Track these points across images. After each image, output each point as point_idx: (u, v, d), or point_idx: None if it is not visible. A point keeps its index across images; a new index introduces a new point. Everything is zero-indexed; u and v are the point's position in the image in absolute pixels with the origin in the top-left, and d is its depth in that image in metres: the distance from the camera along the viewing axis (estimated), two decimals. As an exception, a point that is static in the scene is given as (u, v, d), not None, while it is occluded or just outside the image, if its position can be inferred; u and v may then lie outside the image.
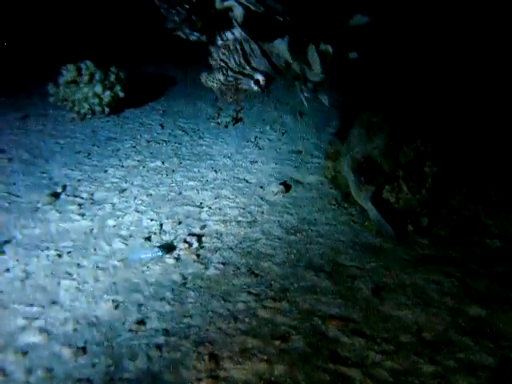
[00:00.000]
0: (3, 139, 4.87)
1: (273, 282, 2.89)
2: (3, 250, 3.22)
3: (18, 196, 3.88)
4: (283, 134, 5.15)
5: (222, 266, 3.06)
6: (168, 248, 3.21)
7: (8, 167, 4.34)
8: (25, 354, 2.38)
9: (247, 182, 4.16)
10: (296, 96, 5.18)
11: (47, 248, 3.23)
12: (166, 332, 2.51)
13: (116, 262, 3.10)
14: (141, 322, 2.59)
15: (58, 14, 8.26)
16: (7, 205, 3.74)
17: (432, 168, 3.42)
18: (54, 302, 2.75)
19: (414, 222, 3.39)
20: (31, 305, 2.73)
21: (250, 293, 2.80)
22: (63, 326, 2.56)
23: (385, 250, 3.19)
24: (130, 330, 2.54)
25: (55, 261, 3.11)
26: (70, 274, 2.98)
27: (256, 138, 5.05)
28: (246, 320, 2.59)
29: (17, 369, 2.29)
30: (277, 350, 2.37)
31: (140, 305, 2.73)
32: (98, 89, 5.40)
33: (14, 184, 4.05)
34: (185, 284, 2.90)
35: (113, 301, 2.74)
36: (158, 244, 3.27)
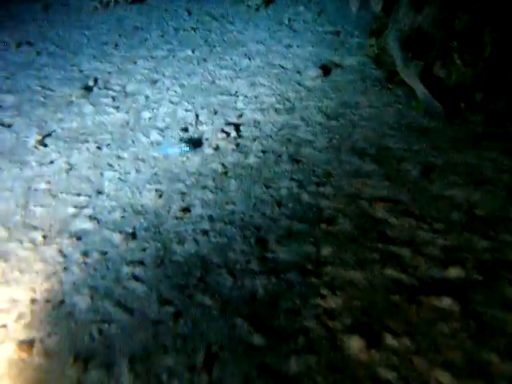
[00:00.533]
0: (28, 32, 4.69)
1: (315, 168, 2.81)
2: (45, 142, 3.23)
3: (51, 90, 3.81)
4: (319, 14, 4.74)
5: (261, 153, 2.99)
6: (203, 139, 3.14)
7: (37, 60, 4.23)
8: (79, 238, 2.46)
9: (283, 67, 3.92)
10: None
11: (86, 141, 3.22)
12: (211, 218, 2.53)
13: (155, 154, 3.07)
14: (185, 209, 2.61)
15: None
16: (42, 99, 3.70)
17: (492, 35, 3.03)
18: (99, 192, 2.79)
19: (467, 98, 3.13)
20: (78, 194, 2.78)
21: (292, 179, 2.74)
22: (111, 214, 2.62)
23: (434, 130, 3.01)
24: (176, 217, 2.57)
25: (96, 153, 3.11)
26: (111, 166, 2.99)
27: (290, 20, 4.68)
28: (290, 205, 2.56)
29: (74, 251, 2.38)
30: (323, 232, 2.35)
31: (183, 193, 2.73)
32: (119, -27, 5.02)
33: (46, 78, 3.96)
34: (226, 173, 2.86)
35: (156, 190, 2.76)
36: (194, 135, 3.20)
